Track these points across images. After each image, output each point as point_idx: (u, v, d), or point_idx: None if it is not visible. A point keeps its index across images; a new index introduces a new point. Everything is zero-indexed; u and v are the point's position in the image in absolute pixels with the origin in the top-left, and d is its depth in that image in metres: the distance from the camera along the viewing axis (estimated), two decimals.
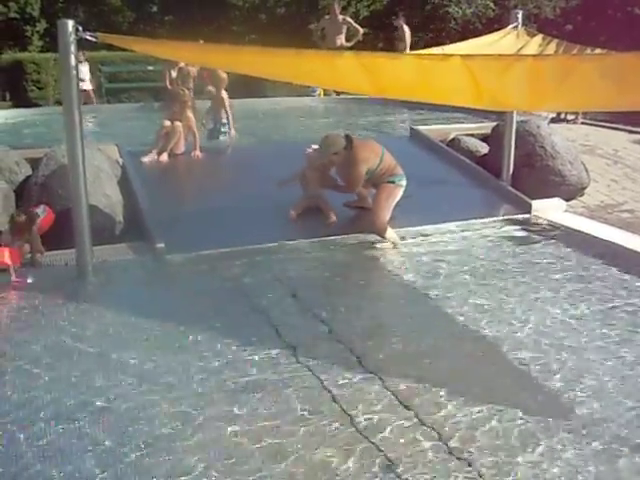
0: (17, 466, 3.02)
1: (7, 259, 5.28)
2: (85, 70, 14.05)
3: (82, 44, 5.07)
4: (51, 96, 15.64)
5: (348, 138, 6.20)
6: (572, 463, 3.08)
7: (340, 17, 14.34)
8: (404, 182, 6.28)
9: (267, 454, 3.12)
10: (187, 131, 8.19)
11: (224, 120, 9.21)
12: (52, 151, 6.71)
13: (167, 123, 8.00)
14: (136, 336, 4.34)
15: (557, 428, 3.34)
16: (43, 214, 5.76)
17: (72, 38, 4.91)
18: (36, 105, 14.67)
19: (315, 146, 6.46)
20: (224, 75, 9.11)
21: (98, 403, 3.54)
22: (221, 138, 9.25)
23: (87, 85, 14.16)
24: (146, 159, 7.80)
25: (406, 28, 15.09)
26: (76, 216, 5.28)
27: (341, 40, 14.14)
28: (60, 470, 3.00)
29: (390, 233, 6.14)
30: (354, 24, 14.40)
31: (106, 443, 3.19)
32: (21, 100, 15.00)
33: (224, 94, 9.19)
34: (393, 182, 6.24)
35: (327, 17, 14.87)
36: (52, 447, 3.16)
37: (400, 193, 6.27)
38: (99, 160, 6.78)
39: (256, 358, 4.03)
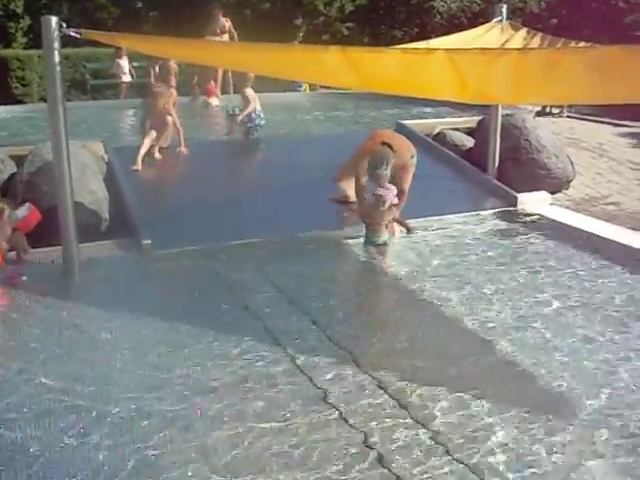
0: None
1: None
2: (125, 64, 14.27)
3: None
4: (35, 93, 15.57)
5: (386, 144, 5.76)
6: (573, 462, 3.09)
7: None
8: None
9: (251, 453, 3.13)
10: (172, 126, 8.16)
11: (253, 115, 9.01)
12: (37, 148, 6.67)
13: (148, 124, 8.01)
14: (122, 333, 4.32)
15: (553, 423, 3.36)
16: (26, 211, 5.63)
17: (56, 35, 4.89)
18: (20, 102, 14.60)
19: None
20: (251, 75, 8.96)
21: (81, 402, 3.51)
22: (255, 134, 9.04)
23: (127, 78, 14.43)
24: (136, 167, 7.55)
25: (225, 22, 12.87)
26: (62, 213, 5.26)
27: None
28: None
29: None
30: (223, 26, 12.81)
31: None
32: (5, 97, 14.90)
33: (249, 92, 9.05)
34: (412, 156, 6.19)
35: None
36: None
37: None
38: (84, 157, 6.75)
39: (242, 354, 4.02)
